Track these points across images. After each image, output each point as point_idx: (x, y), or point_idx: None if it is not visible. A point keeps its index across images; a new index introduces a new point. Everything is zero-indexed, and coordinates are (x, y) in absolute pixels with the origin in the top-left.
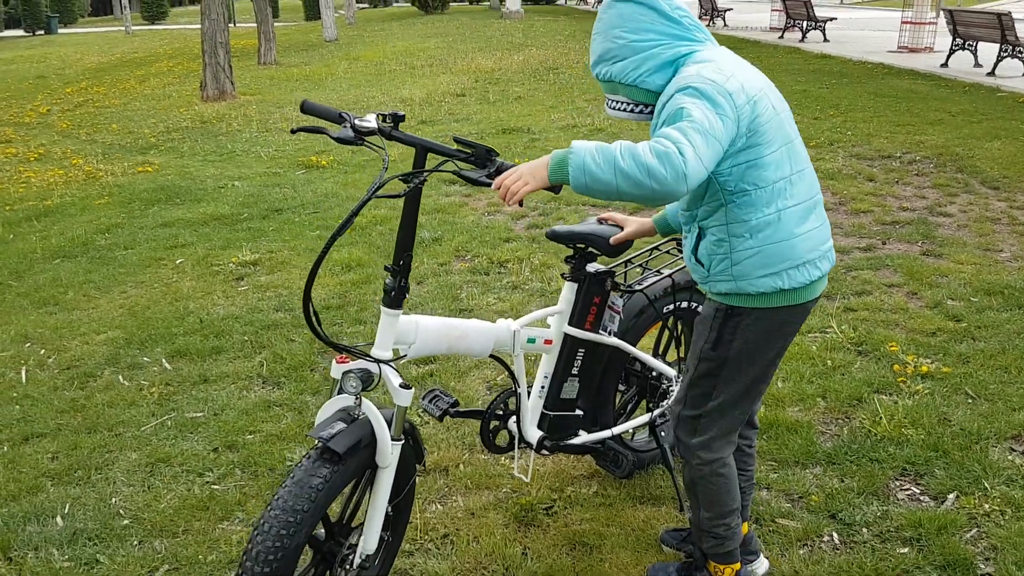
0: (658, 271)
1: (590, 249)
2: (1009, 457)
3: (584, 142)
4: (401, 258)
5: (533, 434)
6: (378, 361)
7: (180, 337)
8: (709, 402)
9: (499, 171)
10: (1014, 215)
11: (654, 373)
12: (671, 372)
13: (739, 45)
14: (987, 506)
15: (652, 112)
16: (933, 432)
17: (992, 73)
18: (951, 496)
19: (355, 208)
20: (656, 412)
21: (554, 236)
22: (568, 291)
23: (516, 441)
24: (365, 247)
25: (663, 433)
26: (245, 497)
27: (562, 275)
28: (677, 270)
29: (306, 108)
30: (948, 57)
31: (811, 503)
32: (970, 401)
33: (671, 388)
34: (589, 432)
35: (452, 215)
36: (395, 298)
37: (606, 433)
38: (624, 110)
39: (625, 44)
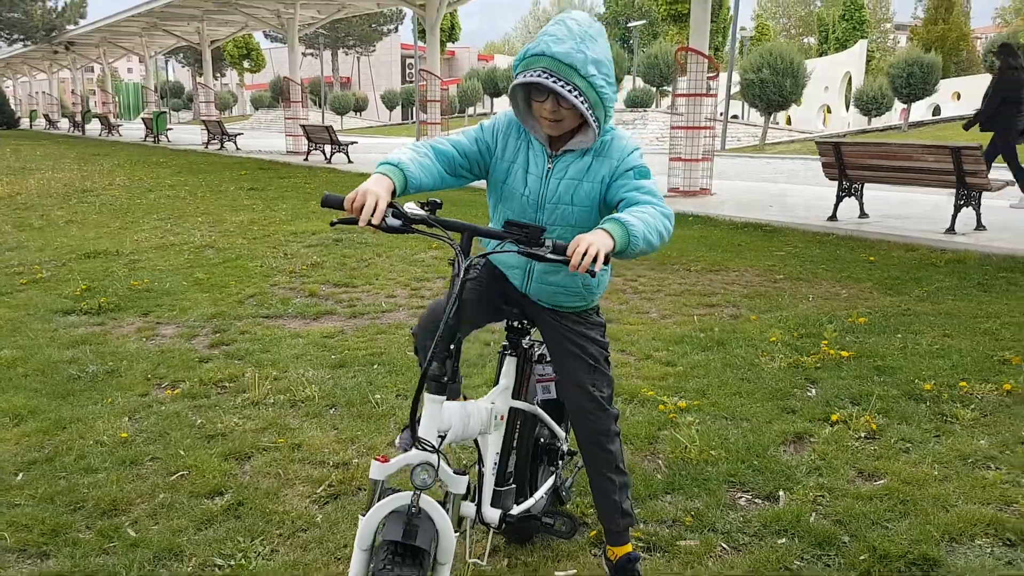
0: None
1: (525, 324)
2: (797, 457)
3: (628, 217)
4: (452, 342)
5: (492, 514)
6: (437, 451)
7: None
8: (609, 374)
9: (555, 247)
10: (634, 285)
11: (552, 434)
12: (562, 433)
13: (272, 167)
14: (812, 495)
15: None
16: (730, 450)
17: None
18: (781, 494)
19: (452, 302)
20: (563, 473)
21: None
22: (510, 365)
23: (470, 524)
24: (20, 391)
25: (564, 493)
26: None
27: (501, 350)
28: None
29: (329, 201)
30: None
31: (687, 524)
32: (731, 423)
33: (563, 448)
34: (518, 504)
35: (101, 344)
36: (444, 384)
37: (531, 500)
38: (589, 112)
39: (611, 78)
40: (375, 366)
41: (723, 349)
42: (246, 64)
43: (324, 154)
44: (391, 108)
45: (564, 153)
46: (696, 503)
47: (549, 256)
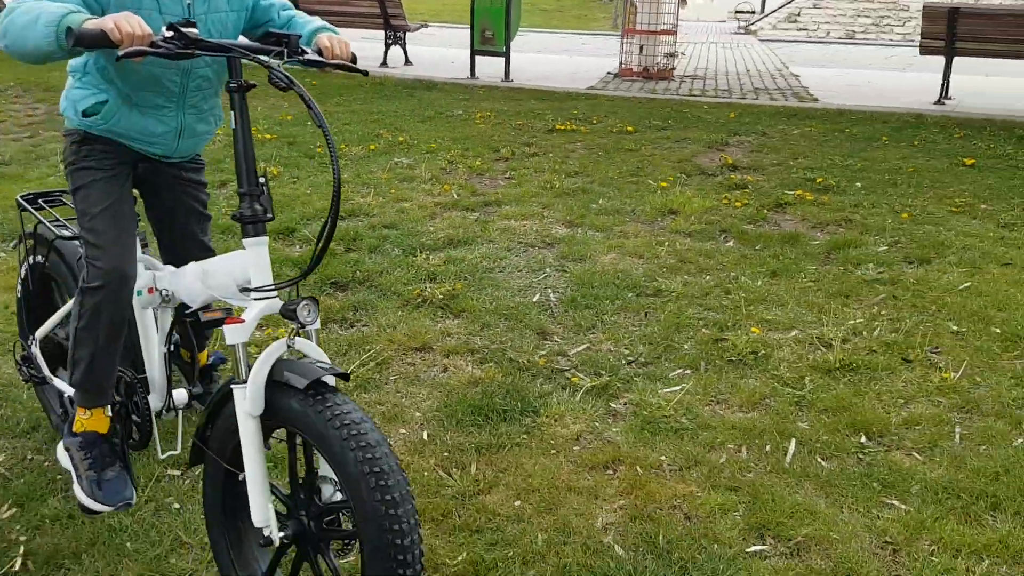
0: None
1: None
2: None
3: (325, 24)
4: (262, 175)
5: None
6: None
7: None
8: (209, 215)
9: (319, 50)
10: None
11: None
12: None
13: None
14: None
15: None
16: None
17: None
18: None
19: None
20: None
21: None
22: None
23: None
24: None
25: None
26: None
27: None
28: None
29: (84, 39)
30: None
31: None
32: None
33: None
34: None
35: None
36: (267, 221)
37: None
38: None
39: None
40: None
41: None
42: None
43: None
44: None
45: None
46: None
47: (320, 59)
